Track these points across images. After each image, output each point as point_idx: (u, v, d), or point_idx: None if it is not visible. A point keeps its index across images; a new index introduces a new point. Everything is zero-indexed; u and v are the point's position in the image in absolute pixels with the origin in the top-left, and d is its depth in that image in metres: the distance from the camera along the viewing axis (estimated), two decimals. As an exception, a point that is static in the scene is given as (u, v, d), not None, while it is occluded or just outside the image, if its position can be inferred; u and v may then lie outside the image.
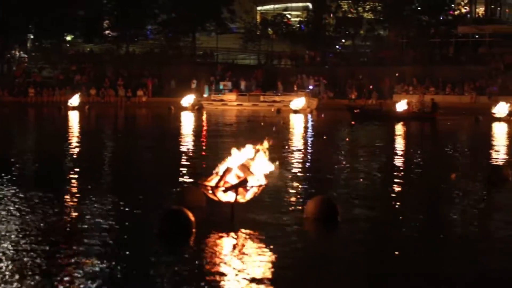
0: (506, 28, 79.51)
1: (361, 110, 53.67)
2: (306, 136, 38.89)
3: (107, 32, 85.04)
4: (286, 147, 29.36)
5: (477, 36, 76.91)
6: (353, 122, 46.41)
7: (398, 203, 16.94)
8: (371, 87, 68.35)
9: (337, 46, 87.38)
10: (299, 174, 21.58)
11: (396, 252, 12.21)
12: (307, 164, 24.78)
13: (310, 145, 32.45)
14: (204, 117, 54.23)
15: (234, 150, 13.76)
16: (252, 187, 13.55)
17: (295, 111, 59.07)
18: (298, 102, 61.23)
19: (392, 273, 11.13)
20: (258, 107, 65.98)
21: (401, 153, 29.62)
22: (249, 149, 13.61)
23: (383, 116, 49.90)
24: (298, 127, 45.50)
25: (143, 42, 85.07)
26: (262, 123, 44.91)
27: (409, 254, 12.27)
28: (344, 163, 25.52)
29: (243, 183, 13.42)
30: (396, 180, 20.41)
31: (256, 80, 74.61)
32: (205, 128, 44.31)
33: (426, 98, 57.65)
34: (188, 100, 63.73)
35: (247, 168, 13.51)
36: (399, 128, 43.41)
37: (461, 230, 14.17)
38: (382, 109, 54.31)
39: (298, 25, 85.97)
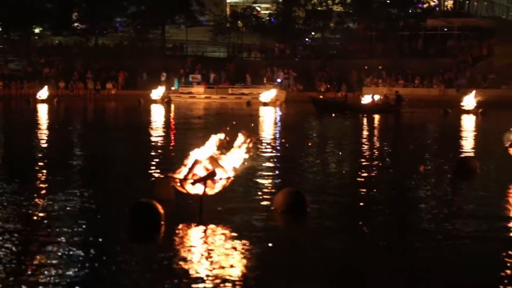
0: (474, 21, 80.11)
1: (324, 101, 53.93)
2: (275, 128, 38.96)
3: (76, 24, 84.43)
4: (256, 139, 29.33)
5: (445, 29, 77.39)
6: (318, 115, 46.55)
7: (366, 195, 17.00)
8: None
9: (307, 39, 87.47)
10: (268, 166, 21.59)
11: (365, 246, 12.24)
12: (276, 156, 24.78)
13: (278, 138, 32.47)
14: (172, 110, 54.08)
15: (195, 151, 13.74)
16: (220, 179, 13.53)
17: (265, 104, 59.08)
18: (268, 94, 61.26)
19: (361, 264, 11.16)
20: (227, 100, 66.03)
21: (369, 145, 29.71)
22: (213, 140, 13.58)
23: (348, 109, 50.00)
24: (268, 120, 45.55)
25: (112, 34, 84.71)
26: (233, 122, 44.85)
27: (378, 245, 12.31)
28: (313, 155, 25.58)
29: (211, 176, 13.40)
30: (365, 172, 20.48)
31: (228, 73, 74.55)
32: (173, 121, 44.21)
33: (391, 90, 57.84)
34: (157, 93, 63.59)
35: (216, 161, 13.50)
36: (366, 121, 43.54)
37: (429, 221, 14.23)
38: (347, 101, 54.38)
39: (267, 18, 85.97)
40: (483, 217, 14.31)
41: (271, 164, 22.19)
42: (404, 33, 76.85)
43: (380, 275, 10.59)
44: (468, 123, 42.79)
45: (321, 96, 55.43)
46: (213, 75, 73.70)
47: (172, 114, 49.96)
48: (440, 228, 13.51)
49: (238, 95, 68.10)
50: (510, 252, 11.52)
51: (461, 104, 51.87)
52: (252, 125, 34.75)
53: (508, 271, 10.54)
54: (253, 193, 16.41)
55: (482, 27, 77.97)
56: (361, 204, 15.75)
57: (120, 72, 74.29)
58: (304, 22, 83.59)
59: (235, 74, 73.66)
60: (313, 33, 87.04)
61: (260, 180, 18.38)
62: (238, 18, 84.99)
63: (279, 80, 70.68)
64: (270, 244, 12.20)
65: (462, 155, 24.10)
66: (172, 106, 58.08)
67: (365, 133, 36.24)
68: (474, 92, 54.09)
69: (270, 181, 18.64)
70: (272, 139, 31.47)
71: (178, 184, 13.69)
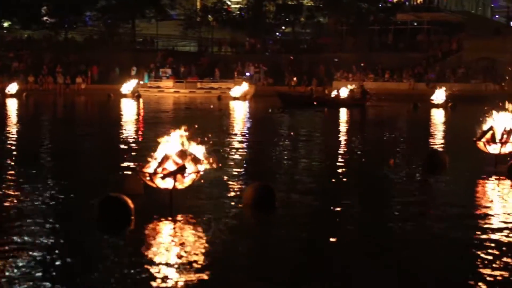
0: (444, 16, 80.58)
1: (289, 95, 54.05)
2: (244, 122, 38.96)
3: (45, 18, 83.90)
4: (226, 133, 29.36)
5: (415, 24, 77.76)
6: (283, 109, 46.65)
7: (336, 190, 17.04)
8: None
9: (277, 33, 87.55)
10: (238, 160, 21.60)
11: (333, 239, 12.25)
12: (246, 150, 24.78)
13: (248, 132, 32.45)
14: (142, 104, 53.90)
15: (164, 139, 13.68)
16: (190, 173, 13.50)
17: (235, 98, 59.06)
18: (238, 89, 61.24)
19: (329, 259, 11.17)
20: (196, 94, 66.02)
21: (339, 139, 29.79)
22: (175, 135, 13.54)
23: (313, 103, 50.08)
24: (238, 114, 45.57)
25: (82, 28, 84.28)
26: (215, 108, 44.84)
27: (346, 240, 12.34)
28: (282, 149, 25.60)
29: (181, 170, 13.37)
30: (334, 166, 20.52)
31: (201, 67, 74.43)
32: (143, 115, 44.05)
33: (356, 84, 58.01)
34: (128, 87, 63.37)
35: (186, 155, 13.46)
36: (333, 115, 43.67)
37: (399, 215, 14.28)
38: (313, 95, 54.48)
39: (238, 12, 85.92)
40: (451, 211, 14.38)
41: (241, 158, 22.18)
42: (374, 28, 77.18)
43: (348, 270, 10.60)
44: (438, 117, 43.05)
45: (286, 94, 55.46)
46: (184, 69, 73.56)
47: (141, 109, 49.78)
48: (409, 221, 13.57)
49: (207, 89, 68.21)
50: (479, 244, 11.62)
51: (431, 98, 52.15)
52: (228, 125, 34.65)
53: (478, 263, 10.61)
54: (223, 187, 16.38)
55: (452, 21, 78.45)
56: (331, 198, 15.77)
57: (89, 66, 73.86)
58: (275, 16, 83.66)
59: (208, 69, 73.59)
60: (283, 28, 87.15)
61: (230, 174, 18.35)
62: (208, 12, 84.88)
63: (248, 74, 70.70)
64: (239, 238, 12.19)
65: (431, 149, 24.21)
66: (142, 101, 57.86)
67: (334, 127, 36.26)
68: (443, 86, 54.49)
69: (240, 175, 18.62)
70: (241, 133, 31.44)
71: (148, 178, 13.64)
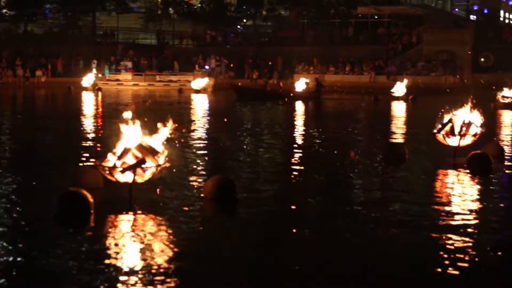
0: (404, 9, 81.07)
1: (244, 88, 54.07)
2: (205, 115, 38.91)
3: (4, 11, 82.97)
4: (186, 127, 29.27)
5: (376, 17, 78.06)
6: (238, 102, 46.71)
7: (297, 182, 17.06)
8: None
9: (239, 26, 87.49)
10: (199, 153, 21.54)
11: (294, 231, 12.25)
12: (207, 143, 24.72)
13: (208, 125, 32.38)
14: (101, 97, 53.56)
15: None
16: (150, 167, 13.42)
17: (197, 91, 58.94)
18: (199, 81, 61.12)
19: (289, 252, 11.17)
20: (154, 87, 65.84)
21: (299, 131, 29.84)
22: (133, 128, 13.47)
23: (268, 96, 50.11)
24: (198, 107, 45.49)
25: (42, 21, 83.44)
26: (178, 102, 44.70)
27: (308, 232, 12.35)
28: (242, 142, 25.58)
29: (141, 163, 13.28)
30: (295, 159, 20.55)
31: (166, 60, 74.12)
32: (102, 108, 43.77)
33: (311, 77, 58.20)
34: (88, 80, 63.00)
35: (145, 148, 13.38)
36: (290, 107, 43.76)
37: (360, 207, 14.32)
38: (267, 88, 54.48)
39: (199, 5, 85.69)
40: (411, 202, 14.45)
41: (202, 152, 22.13)
42: (335, 21, 77.36)
43: (308, 263, 10.60)
44: (398, 110, 43.29)
45: (239, 87, 55.47)
46: (145, 62, 73.24)
47: (101, 102, 49.45)
48: (370, 213, 13.62)
49: (166, 82, 68.10)
50: (437, 236, 11.69)
51: (391, 91, 52.43)
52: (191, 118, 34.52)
53: (436, 253, 10.68)
54: (184, 180, 16.33)
55: (412, 15, 78.93)
56: (292, 191, 15.79)
57: (49, 59, 73.16)
58: (236, 9, 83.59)
59: (171, 61, 73.34)
60: (244, 21, 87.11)
61: (190, 168, 18.32)
62: (169, 5, 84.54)
63: (207, 67, 70.58)
64: (199, 231, 12.16)
65: (391, 141, 24.33)
66: (102, 94, 57.49)
67: (294, 119, 36.32)
68: (404, 79, 54.86)
69: (200, 168, 18.58)
70: (202, 126, 31.37)
71: (107, 172, 13.54)
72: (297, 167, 19.13)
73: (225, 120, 29.94)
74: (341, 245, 11.51)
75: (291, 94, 50.57)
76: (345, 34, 76.10)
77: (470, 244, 11.35)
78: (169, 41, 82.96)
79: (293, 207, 14.16)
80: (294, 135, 28.17)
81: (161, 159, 13.56)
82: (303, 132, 29.63)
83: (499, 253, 11.10)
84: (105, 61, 72.75)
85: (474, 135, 19.49)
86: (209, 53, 73.71)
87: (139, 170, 13.34)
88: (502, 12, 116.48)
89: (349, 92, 58.49)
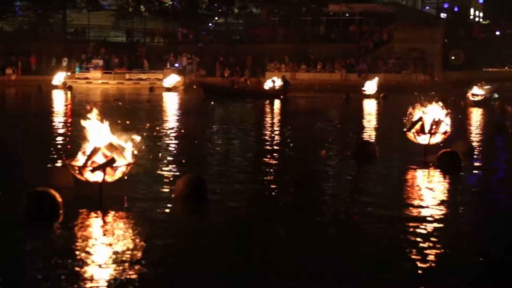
0: (375, 7, 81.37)
1: (212, 86, 54.02)
2: (176, 114, 38.85)
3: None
4: (158, 125, 29.22)
5: (347, 15, 78.25)
6: (206, 100, 46.63)
7: (268, 181, 17.05)
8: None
9: (210, 24, 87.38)
10: (170, 152, 21.50)
11: (265, 229, 12.26)
12: (177, 142, 24.65)
13: (180, 123, 32.30)
14: (72, 96, 53.25)
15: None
16: (120, 166, 13.37)
17: (168, 89, 58.79)
18: (171, 79, 60.96)
19: (260, 251, 11.17)
20: (124, 85, 65.64)
21: (270, 129, 29.83)
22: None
23: (235, 94, 50.07)
24: (169, 105, 45.43)
25: (11, 18, 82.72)
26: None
27: (279, 230, 12.36)
28: (214, 140, 25.57)
29: (110, 163, 13.23)
30: (267, 158, 20.54)
31: (140, 58, 73.84)
32: (72, 107, 43.52)
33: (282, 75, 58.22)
34: (59, 78, 62.63)
35: (115, 147, 13.33)
36: (258, 106, 43.81)
37: (331, 205, 14.38)
38: (234, 86, 54.42)
39: (171, 2, 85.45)
40: (381, 200, 14.52)
41: (173, 150, 22.08)
42: (306, 19, 77.45)
43: (279, 261, 10.62)
44: (370, 108, 43.43)
45: (205, 84, 55.41)
46: (116, 60, 72.95)
47: (71, 100, 49.16)
48: (340, 210, 13.67)
49: (136, 80, 67.90)
50: (407, 231, 11.76)
51: (363, 89, 52.57)
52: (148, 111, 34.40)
53: (406, 248, 10.74)
54: (155, 180, 16.28)
55: (383, 13, 79.23)
56: (263, 190, 15.78)
57: (20, 57, 72.56)
58: (207, 7, 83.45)
59: (144, 59, 73.09)
60: (216, 18, 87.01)
61: (161, 167, 18.25)
62: (140, 3, 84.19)
63: (176, 65, 70.41)
64: (170, 231, 12.13)
65: (361, 139, 24.41)
66: (73, 92, 57.14)
67: (263, 118, 36.29)
68: (375, 77, 55.05)
69: (171, 167, 18.51)
70: (173, 124, 31.30)
71: (77, 171, 13.48)
72: (268, 166, 19.13)
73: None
74: (312, 242, 11.52)
75: (258, 92, 50.57)
76: (317, 32, 76.20)
77: (440, 238, 11.44)
78: (140, 39, 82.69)
79: (264, 205, 14.17)
80: (266, 133, 28.15)
81: (131, 158, 13.53)
82: (274, 131, 29.62)
83: (468, 247, 11.21)
84: (76, 59, 72.35)
85: (444, 133, 19.60)
86: (181, 51, 73.56)
87: (109, 169, 13.30)
88: (472, 10, 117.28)
89: (320, 90, 58.66)
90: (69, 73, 67.79)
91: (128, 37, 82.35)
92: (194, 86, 59.66)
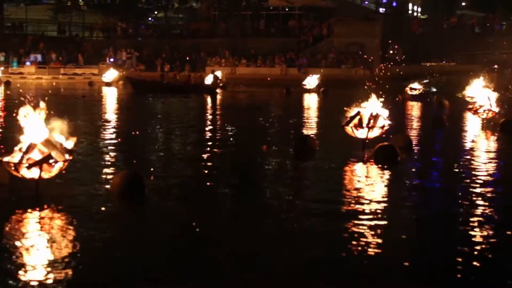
0: (315, 1, 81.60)
1: (141, 81, 53.80)
2: (115, 109, 38.61)
3: None
4: (95, 120, 28.99)
5: (287, 9, 78.40)
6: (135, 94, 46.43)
7: (209, 176, 17.01)
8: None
9: (150, 18, 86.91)
10: (108, 148, 21.30)
11: (204, 226, 12.21)
12: (115, 137, 24.45)
13: (115, 118, 32.08)
14: (10, 91, 52.44)
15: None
16: (57, 162, 13.21)
17: (108, 84, 58.32)
18: (110, 74, 60.48)
19: (201, 245, 11.13)
20: (59, 80, 64.95)
21: (209, 125, 29.76)
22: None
23: (164, 88, 49.91)
24: (106, 100, 45.11)
25: None
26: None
27: (217, 226, 12.33)
28: (152, 136, 25.44)
29: (47, 159, 13.06)
30: (207, 153, 20.48)
31: (85, 53, 73.05)
32: (9, 102, 42.88)
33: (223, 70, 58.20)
34: (-5, 74, 61.72)
35: (52, 144, 13.16)
36: (191, 100, 43.75)
37: (272, 199, 14.39)
38: (164, 81, 54.29)
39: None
40: (320, 194, 14.59)
41: (110, 146, 21.89)
42: (246, 13, 77.42)
43: (218, 257, 10.59)
44: (310, 102, 43.62)
45: (136, 80, 55.16)
46: (54, 54, 72.07)
47: (4, 96, 48.40)
48: (280, 205, 13.70)
49: (71, 75, 67.29)
50: (346, 226, 11.82)
51: (303, 83, 52.77)
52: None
53: (347, 242, 10.79)
54: (92, 176, 16.12)
55: (323, 7, 79.55)
56: (203, 185, 15.74)
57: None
58: (147, 1, 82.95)
59: (91, 54, 72.36)
60: (156, 12, 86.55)
61: (99, 163, 18.09)
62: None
63: (112, 60, 69.89)
64: (107, 228, 12.01)
65: (301, 134, 24.48)
66: (11, 87, 56.29)
67: (202, 113, 36.20)
68: (315, 72, 55.33)
69: (108, 163, 18.35)
70: (110, 120, 31.06)
71: (13, 168, 13.28)
72: (206, 161, 19.07)
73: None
74: (251, 238, 11.51)
75: (188, 87, 50.49)
76: (257, 26, 76.25)
77: (379, 233, 11.52)
78: (79, 33, 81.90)
79: (202, 201, 14.12)
80: (205, 128, 28.11)
81: (68, 154, 13.37)
82: (213, 126, 29.55)
83: (407, 242, 11.31)
84: (14, 53, 71.31)
85: (382, 127, 19.75)
86: (120, 45, 73.03)
87: (45, 166, 13.13)
88: (410, 5, 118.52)
89: (261, 84, 58.76)
90: (4, 68, 66.76)
91: (61, 31, 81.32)
92: (121, 81, 59.29)
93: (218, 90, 50.55)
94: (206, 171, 17.54)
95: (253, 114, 34.84)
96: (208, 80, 53.11)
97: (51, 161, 13.13)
